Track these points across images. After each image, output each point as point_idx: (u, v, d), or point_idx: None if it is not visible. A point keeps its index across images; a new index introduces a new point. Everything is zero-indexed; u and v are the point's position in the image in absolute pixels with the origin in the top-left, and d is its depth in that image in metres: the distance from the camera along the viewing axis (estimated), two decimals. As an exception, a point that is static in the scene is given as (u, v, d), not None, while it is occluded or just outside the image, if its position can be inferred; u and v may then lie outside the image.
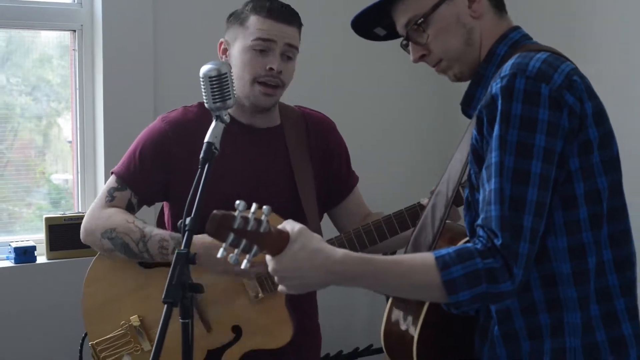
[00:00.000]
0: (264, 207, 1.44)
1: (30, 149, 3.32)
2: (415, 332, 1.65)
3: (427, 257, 1.47)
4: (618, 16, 3.09)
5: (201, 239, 1.99)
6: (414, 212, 2.19)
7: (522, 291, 1.50)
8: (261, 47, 2.17)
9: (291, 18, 2.21)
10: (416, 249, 1.68)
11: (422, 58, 1.68)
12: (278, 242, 1.46)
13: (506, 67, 1.52)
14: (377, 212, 2.37)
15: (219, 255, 1.43)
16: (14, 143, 3.28)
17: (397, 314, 1.71)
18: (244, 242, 1.41)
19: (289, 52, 2.21)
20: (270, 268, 1.50)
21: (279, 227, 1.49)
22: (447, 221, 1.76)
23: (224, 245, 1.41)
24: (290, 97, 2.36)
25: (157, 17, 3.24)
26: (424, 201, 2.15)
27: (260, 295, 2.19)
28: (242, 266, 1.44)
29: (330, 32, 3.53)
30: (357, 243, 2.20)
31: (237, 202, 1.41)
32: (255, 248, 1.43)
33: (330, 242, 2.19)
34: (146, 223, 2.20)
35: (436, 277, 1.44)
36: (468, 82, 1.70)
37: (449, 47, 1.64)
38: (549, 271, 1.52)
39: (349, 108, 3.54)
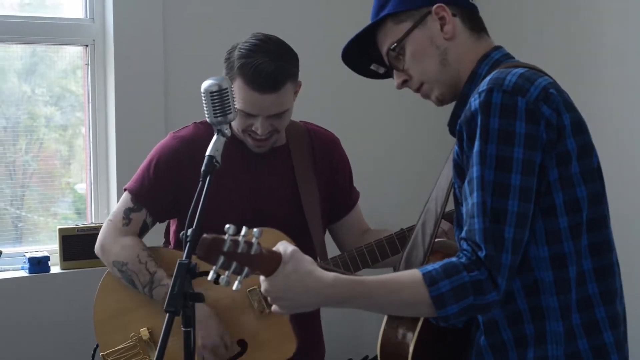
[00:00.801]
0: (254, 230, 1.48)
1: (55, 159, 3.37)
2: (410, 347, 1.67)
3: (414, 274, 1.50)
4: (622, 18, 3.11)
5: (207, 312, 2.12)
6: (402, 237, 2.23)
7: (506, 301, 1.53)
8: (246, 116, 2.18)
9: (277, 85, 2.14)
10: (408, 266, 1.71)
11: (404, 84, 1.72)
12: (270, 263, 1.50)
13: (484, 83, 1.55)
14: (377, 229, 2.41)
15: (209, 277, 1.48)
16: (39, 153, 3.34)
17: (393, 328, 1.73)
18: (234, 264, 1.45)
19: (276, 117, 2.20)
20: (263, 288, 1.53)
21: (273, 248, 1.53)
22: (442, 239, 1.79)
23: (214, 267, 1.45)
24: (295, 111, 2.37)
25: (167, 31, 3.28)
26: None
27: (266, 310, 2.22)
28: (234, 287, 1.48)
29: (334, 48, 3.53)
30: (359, 261, 2.24)
31: (227, 226, 1.45)
32: (246, 270, 1.47)
33: (334, 260, 2.23)
34: (158, 266, 2.23)
35: (424, 293, 1.47)
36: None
37: (426, 69, 1.68)
38: (532, 280, 1.55)
39: (352, 122, 3.55)
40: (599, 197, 1.59)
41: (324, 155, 2.38)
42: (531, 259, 1.55)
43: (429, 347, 1.69)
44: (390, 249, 2.24)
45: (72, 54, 3.33)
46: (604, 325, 1.56)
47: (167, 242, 2.46)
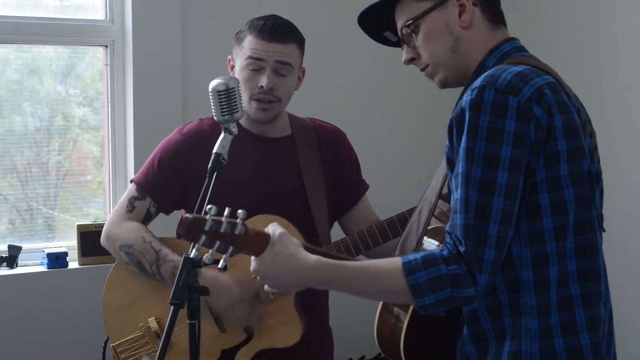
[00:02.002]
0: (239, 211, 1.53)
1: (88, 159, 3.43)
2: (402, 333, 1.71)
3: (395, 262, 1.54)
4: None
5: (213, 274, 2.13)
6: (402, 218, 2.25)
7: (489, 294, 1.56)
8: (253, 67, 2.25)
9: (285, 36, 2.25)
10: (402, 252, 1.73)
11: (412, 61, 1.72)
12: (258, 244, 1.56)
13: (478, 80, 1.55)
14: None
15: (191, 255, 1.56)
16: (73, 154, 3.40)
17: (387, 314, 1.76)
18: (217, 243, 1.52)
19: (282, 69, 2.26)
20: (252, 268, 1.59)
21: (265, 229, 1.58)
22: (440, 225, 1.82)
23: (196, 246, 1.52)
24: (301, 108, 2.42)
25: (185, 32, 3.33)
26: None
27: (271, 296, 2.25)
28: (220, 265, 1.54)
29: (341, 43, 3.57)
30: (361, 245, 2.27)
31: (209, 206, 1.52)
32: (231, 249, 1.53)
33: (336, 244, 2.27)
34: (162, 244, 2.27)
35: (402, 282, 1.51)
36: None
37: (435, 52, 1.68)
38: (513, 277, 1.56)
39: (359, 115, 3.57)
40: (587, 201, 1.58)
41: (330, 149, 2.40)
42: (514, 257, 1.56)
43: (421, 334, 1.72)
44: (391, 231, 2.27)
45: (99, 57, 3.38)
46: (582, 327, 1.56)
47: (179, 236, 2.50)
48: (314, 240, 2.26)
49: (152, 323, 2.30)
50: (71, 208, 3.37)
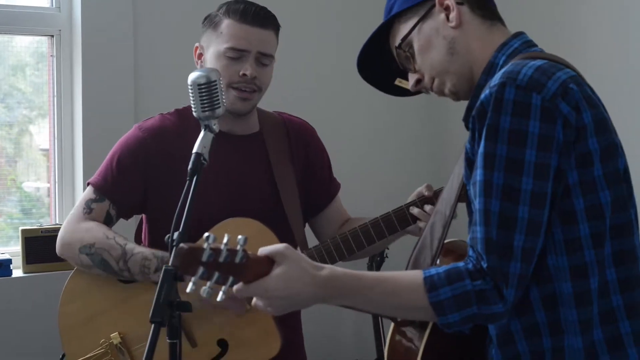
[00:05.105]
0: (239, 237, 1.39)
1: (0, 157, 3.25)
2: (418, 356, 1.59)
3: (416, 277, 1.44)
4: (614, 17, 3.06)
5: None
6: (389, 220, 2.15)
7: (524, 312, 1.46)
8: (234, 55, 2.13)
9: (266, 22, 2.16)
10: (416, 269, 1.61)
11: (418, 84, 1.66)
12: (258, 268, 1.42)
13: (497, 76, 1.46)
14: (357, 217, 2.33)
15: (187, 290, 1.38)
16: None
17: (400, 337, 1.65)
18: (216, 274, 1.37)
19: (264, 60, 2.17)
20: (253, 292, 1.43)
21: (260, 250, 1.45)
22: (455, 239, 1.70)
23: (192, 279, 1.37)
24: (270, 102, 2.32)
25: (137, 22, 3.19)
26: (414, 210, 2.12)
27: (248, 307, 2.12)
28: (218, 298, 1.39)
29: (313, 36, 3.51)
30: (335, 254, 2.16)
31: (206, 234, 1.36)
32: (231, 279, 1.39)
33: (309, 252, 2.16)
34: (127, 239, 2.14)
35: (424, 299, 1.41)
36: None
37: (433, 61, 1.61)
38: (550, 291, 1.46)
39: (335, 115, 3.51)
40: (624, 202, 1.48)
41: (299, 143, 2.32)
42: (550, 269, 1.45)
43: (437, 357, 1.62)
44: (365, 239, 2.17)
45: (20, 50, 3.21)
46: (629, 341, 1.46)
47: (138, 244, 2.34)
48: (289, 241, 2.12)
49: (115, 339, 2.14)
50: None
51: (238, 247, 1.38)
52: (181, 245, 1.36)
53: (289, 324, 2.24)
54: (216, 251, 1.36)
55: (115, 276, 2.12)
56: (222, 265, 1.36)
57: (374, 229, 2.16)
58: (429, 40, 1.61)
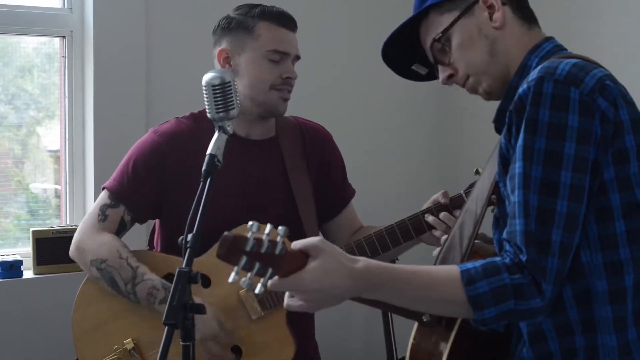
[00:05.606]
0: (280, 228, 1.36)
1: (8, 158, 3.23)
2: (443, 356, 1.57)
3: (452, 271, 1.42)
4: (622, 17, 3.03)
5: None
6: (404, 227, 2.13)
7: (556, 311, 1.43)
8: (276, 58, 2.15)
9: (295, 25, 2.21)
10: None
11: (450, 79, 1.63)
12: (294, 261, 1.39)
13: (534, 72, 1.45)
14: (369, 226, 2.31)
15: (230, 280, 1.35)
16: None
17: (423, 340, 1.62)
18: (257, 265, 1.33)
19: (295, 62, 2.24)
20: (289, 286, 1.40)
21: (292, 244, 1.42)
22: (478, 241, 1.68)
23: (235, 269, 1.33)
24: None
25: (149, 23, 3.15)
26: (429, 218, 2.10)
27: (261, 313, 2.11)
28: (256, 290, 1.35)
29: (328, 41, 3.47)
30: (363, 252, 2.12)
31: (250, 223, 1.33)
32: (270, 271, 1.35)
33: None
34: (139, 262, 2.11)
35: (460, 292, 1.39)
36: (477, 100, 1.65)
37: (473, 60, 1.60)
38: (584, 288, 1.44)
39: (346, 119, 3.47)
40: None
41: (315, 148, 2.31)
42: (584, 266, 1.44)
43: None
44: (380, 245, 2.15)
45: (28, 51, 3.19)
46: None
47: (150, 249, 2.35)
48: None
49: (129, 344, 2.12)
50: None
51: (278, 238, 1.35)
52: (226, 233, 1.33)
53: (302, 330, 2.23)
54: (259, 241, 1.33)
55: (120, 296, 2.11)
56: (263, 256, 1.33)
57: (389, 236, 2.14)
58: (471, 37, 1.58)
